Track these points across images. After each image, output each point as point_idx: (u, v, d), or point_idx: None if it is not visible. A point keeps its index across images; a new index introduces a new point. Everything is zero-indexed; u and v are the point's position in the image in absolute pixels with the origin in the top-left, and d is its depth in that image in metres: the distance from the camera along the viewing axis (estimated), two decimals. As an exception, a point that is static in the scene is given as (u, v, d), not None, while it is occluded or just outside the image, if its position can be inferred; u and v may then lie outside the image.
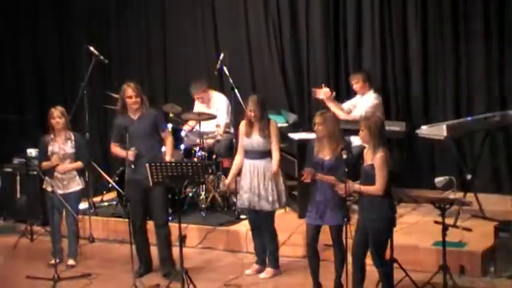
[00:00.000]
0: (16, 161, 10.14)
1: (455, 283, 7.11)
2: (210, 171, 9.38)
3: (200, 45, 11.22)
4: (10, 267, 8.71)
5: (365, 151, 6.86)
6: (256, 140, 7.77)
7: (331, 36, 10.37)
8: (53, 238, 8.51)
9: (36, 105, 11.85)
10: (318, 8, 10.40)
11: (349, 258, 6.91)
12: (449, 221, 7.23)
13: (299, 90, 10.65)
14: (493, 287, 7.39)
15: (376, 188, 6.64)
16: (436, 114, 9.77)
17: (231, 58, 10.10)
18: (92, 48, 9.94)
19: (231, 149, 9.54)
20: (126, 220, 7.90)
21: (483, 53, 9.58)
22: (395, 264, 6.98)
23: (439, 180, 8.02)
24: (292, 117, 9.76)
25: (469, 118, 8.97)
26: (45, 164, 8.37)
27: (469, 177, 8.73)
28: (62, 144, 8.36)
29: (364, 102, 9.23)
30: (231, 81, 9.41)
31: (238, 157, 7.93)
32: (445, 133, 8.44)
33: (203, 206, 9.33)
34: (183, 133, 9.97)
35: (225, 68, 9.54)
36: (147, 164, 7.51)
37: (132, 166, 7.76)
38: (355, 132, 7.39)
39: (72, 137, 8.40)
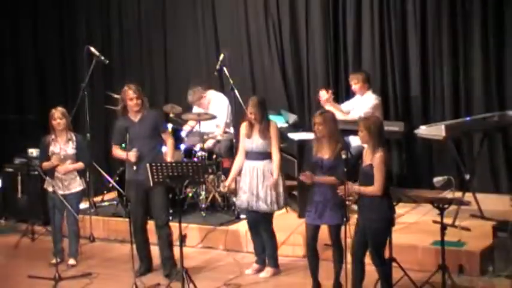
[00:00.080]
0: (17, 161, 10.16)
1: (454, 282, 7.12)
2: (210, 171, 9.40)
3: (200, 46, 11.25)
4: (11, 266, 8.73)
5: (364, 151, 6.88)
6: (256, 141, 7.79)
7: (330, 37, 10.40)
8: (53, 238, 8.54)
9: (37, 105, 11.87)
10: (317, 8, 10.43)
11: (349, 258, 6.93)
12: (448, 220, 7.23)
13: (299, 90, 10.67)
14: (492, 287, 7.39)
15: (375, 188, 6.66)
16: (434, 115, 9.81)
17: (231, 58, 10.12)
18: (92, 49, 9.97)
19: (231, 149, 9.58)
20: (127, 220, 7.90)
21: (481, 53, 9.60)
22: (394, 264, 6.99)
23: (437, 180, 8.02)
24: (292, 118, 9.78)
25: (468, 118, 8.99)
26: (45, 164, 8.39)
27: (467, 177, 8.75)
28: (63, 145, 8.38)
29: (363, 103, 9.25)
30: (231, 81, 9.44)
31: (239, 158, 7.95)
32: (443, 133, 8.44)
33: (203, 205, 9.36)
34: (183, 133, 10.01)
35: (225, 69, 9.57)
36: (147, 165, 7.53)
37: (134, 167, 7.79)
38: (355, 133, 7.43)
39: (74, 138, 8.43)
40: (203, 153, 9.46)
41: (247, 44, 10.93)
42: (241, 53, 10.93)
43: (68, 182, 8.41)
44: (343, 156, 6.95)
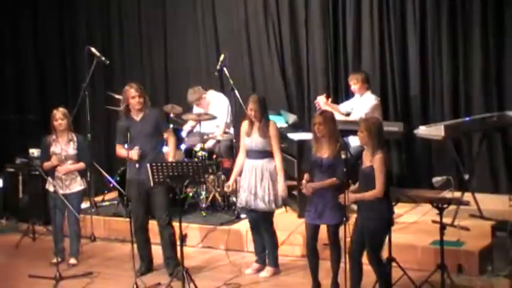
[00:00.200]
0: (18, 161, 10.17)
1: (453, 282, 7.13)
2: (210, 171, 9.43)
3: (200, 46, 11.26)
4: (12, 266, 8.73)
5: (364, 152, 6.89)
6: (255, 139, 7.81)
7: (330, 37, 10.41)
8: (54, 237, 8.55)
9: (38, 105, 11.88)
10: (317, 8, 10.45)
11: (347, 258, 6.96)
12: (447, 220, 7.24)
13: (299, 90, 10.69)
14: (491, 286, 7.41)
15: (377, 191, 6.66)
16: (434, 115, 9.82)
17: (231, 58, 10.13)
18: (93, 49, 10.00)
19: (231, 149, 9.60)
20: (127, 219, 7.92)
21: (481, 53, 9.62)
22: (393, 263, 6.99)
23: (436, 180, 8.04)
24: (292, 118, 9.79)
25: (467, 118, 9.00)
26: (46, 164, 8.41)
27: (466, 177, 8.77)
28: (64, 146, 8.40)
29: (362, 104, 9.27)
30: (231, 82, 9.47)
31: (240, 157, 7.96)
32: (443, 133, 8.45)
33: (203, 205, 9.39)
34: (183, 133, 10.04)
35: (225, 69, 9.59)
36: (147, 164, 7.57)
37: (137, 165, 7.81)
38: (354, 133, 7.45)
39: (75, 138, 8.45)
40: (203, 153, 9.49)
41: (247, 44, 10.95)
42: (241, 53, 10.94)
43: (69, 181, 8.44)
44: (343, 156, 6.99)
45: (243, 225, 8.80)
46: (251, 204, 7.84)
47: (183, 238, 7.75)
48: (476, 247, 7.78)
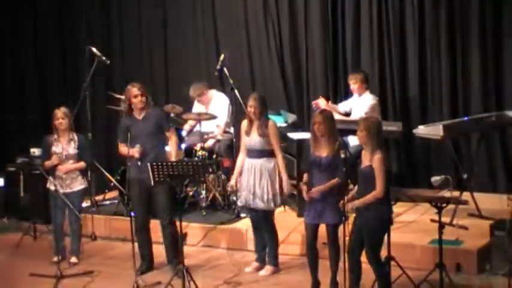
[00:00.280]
0: (19, 160, 10.19)
1: (451, 281, 7.15)
2: (210, 170, 9.46)
3: (201, 46, 11.27)
4: (13, 265, 8.76)
5: (363, 152, 6.90)
6: (254, 138, 7.83)
7: (329, 37, 10.43)
8: (55, 236, 8.59)
9: (39, 105, 11.89)
10: (316, 9, 10.46)
11: (346, 257, 6.99)
12: (446, 219, 7.27)
13: (298, 90, 10.71)
14: (489, 285, 7.44)
15: (377, 191, 6.68)
16: (432, 115, 9.84)
17: (231, 59, 10.16)
18: (94, 49, 10.03)
19: (231, 149, 9.64)
20: (128, 218, 7.95)
21: (479, 54, 9.65)
22: (392, 262, 7.03)
23: (435, 179, 8.07)
24: (292, 118, 9.81)
25: (466, 118, 9.02)
26: (46, 163, 8.45)
27: (465, 176, 8.80)
28: (65, 145, 8.44)
29: (361, 104, 9.31)
30: (231, 81, 9.50)
31: (241, 156, 7.99)
32: (441, 133, 8.49)
33: (204, 204, 9.42)
34: (183, 133, 10.07)
35: (225, 69, 9.63)
36: (148, 164, 7.61)
37: (139, 163, 7.85)
38: (353, 133, 7.48)
39: (76, 138, 8.48)
40: (203, 152, 9.52)
41: (247, 44, 10.97)
42: (241, 53, 10.95)
43: (70, 181, 8.47)
44: (342, 156, 7.02)
45: (243, 224, 8.84)
46: (250, 203, 7.88)
47: (183, 237, 7.79)
48: (474, 246, 7.81)
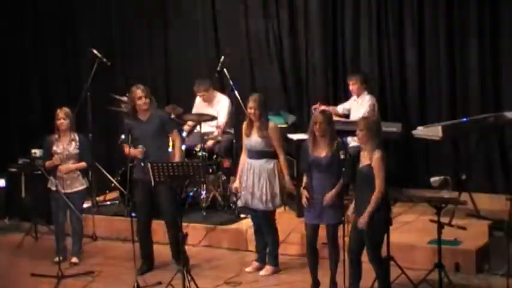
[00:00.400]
0: (21, 161, 10.18)
1: (450, 281, 7.18)
2: (210, 171, 9.50)
3: (201, 47, 11.26)
4: (15, 265, 8.79)
5: (361, 152, 6.93)
6: (254, 139, 7.86)
7: (329, 38, 10.45)
8: (56, 236, 8.63)
9: (40, 106, 11.89)
10: (316, 9, 10.47)
11: (346, 257, 7.01)
12: (444, 220, 7.28)
13: (298, 91, 10.72)
14: (488, 285, 7.48)
15: (377, 191, 6.70)
16: (431, 116, 9.85)
17: (231, 60, 10.17)
18: (95, 51, 10.06)
19: (231, 150, 9.67)
20: (128, 219, 7.99)
21: (478, 55, 9.68)
22: (391, 262, 7.07)
23: (434, 179, 8.09)
24: (291, 118, 9.83)
25: (464, 119, 9.05)
26: (47, 163, 8.49)
27: (464, 177, 8.83)
28: (66, 145, 8.47)
29: (361, 105, 9.36)
30: (231, 82, 9.53)
31: (243, 157, 8.02)
32: (440, 134, 8.52)
33: (204, 205, 9.44)
34: (184, 134, 10.10)
35: (225, 70, 9.65)
36: (149, 164, 7.65)
37: (142, 164, 7.88)
38: (352, 133, 7.51)
39: (77, 138, 8.52)
40: (204, 153, 9.55)
41: (247, 45, 10.97)
42: (241, 54, 10.94)
43: (70, 181, 8.50)
44: (342, 157, 7.06)
45: (243, 225, 8.87)
46: (249, 204, 7.91)
47: (184, 237, 7.83)
48: (473, 246, 7.85)
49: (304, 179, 7.34)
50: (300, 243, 8.32)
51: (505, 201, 7.28)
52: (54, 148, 8.47)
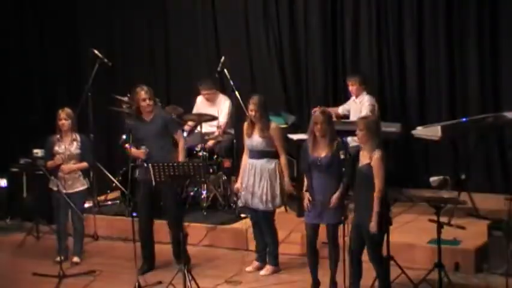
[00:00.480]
0: (22, 161, 10.22)
1: (449, 280, 7.20)
2: (211, 171, 9.53)
3: (201, 47, 11.27)
4: (17, 264, 8.82)
5: (361, 152, 6.95)
6: (256, 140, 7.89)
7: (329, 38, 10.47)
8: (58, 236, 8.65)
9: (42, 106, 11.89)
10: (316, 10, 10.49)
11: (346, 256, 7.04)
12: (444, 219, 7.31)
13: (298, 91, 10.75)
14: (487, 284, 7.49)
15: (377, 191, 6.71)
16: (431, 116, 9.87)
17: (231, 61, 10.19)
18: (96, 51, 10.09)
19: (231, 150, 9.70)
20: (129, 218, 8.02)
21: (477, 55, 9.71)
22: (391, 262, 7.10)
23: (433, 179, 8.11)
24: (291, 119, 9.85)
25: (464, 119, 9.06)
26: (49, 163, 8.52)
27: (463, 176, 8.84)
28: (67, 145, 8.51)
29: (360, 105, 9.38)
30: (232, 83, 9.57)
31: (244, 158, 8.05)
32: (440, 134, 8.52)
33: (204, 204, 9.47)
34: (184, 134, 10.12)
35: (225, 71, 9.69)
36: (149, 164, 7.70)
37: (145, 164, 7.92)
38: (352, 133, 7.53)
39: (78, 138, 8.55)
40: (204, 153, 9.58)
41: (247, 46, 10.99)
42: (242, 55, 10.97)
43: (72, 181, 8.53)
44: (342, 157, 7.08)
45: (244, 224, 8.89)
46: (249, 203, 7.93)
47: (184, 237, 7.87)
48: (472, 246, 7.88)
49: (305, 180, 7.36)
50: (300, 243, 8.35)
51: (504, 200, 7.31)
52: (56, 148, 8.50)
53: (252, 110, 7.86)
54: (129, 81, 11.06)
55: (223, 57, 9.78)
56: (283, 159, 7.89)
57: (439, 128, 8.59)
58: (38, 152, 9.86)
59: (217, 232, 9.04)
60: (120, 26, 11.81)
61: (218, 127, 9.92)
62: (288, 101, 10.81)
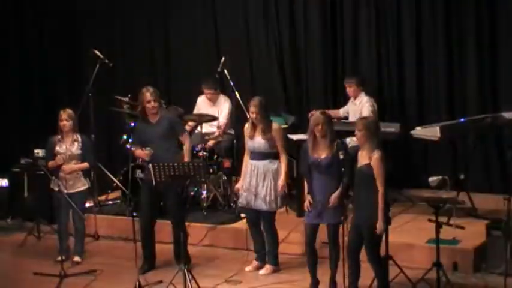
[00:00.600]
0: (23, 161, 10.25)
1: (448, 279, 7.22)
2: (211, 171, 9.56)
3: (201, 48, 11.27)
4: (18, 264, 8.84)
5: (359, 152, 6.97)
6: (258, 141, 7.91)
7: (329, 39, 10.49)
8: (59, 236, 8.67)
9: (43, 106, 11.89)
10: (316, 11, 10.50)
11: (345, 256, 7.07)
12: (443, 219, 7.33)
13: (298, 92, 10.76)
14: (485, 284, 7.52)
15: (381, 193, 6.73)
16: (430, 116, 9.87)
17: (232, 61, 10.21)
18: (97, 52, 10.11)
19: (231, 150, 9.74)
20: (130, 218, 8.01)
21: (476, 55, 9.73)
22: (390, 261, 7.13)
23: (433, 179, 8.12)
24: (291, 119, 9.88)
25: (462, 120, 9.09)
26: (50, 163, 8.54)
27: (462, 176, 8.89)
28: (69, 146, 8.53)
29: (359, 106, 9.39)
30: (232, 83, 9.60)
31: (245, 159, 8.07)
32: (438, 134, 8.56)
33: (205, 204, 9.49)
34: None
35: (226, 71, 9.72)
36: (150, 164, 7.74)
37: (149, 166, 7.97)
38: (351, 134, 7.56)
39: (79, 139, 8.58)
40: (204, 153, 9.61)
41: (247, 47, 11.00)
42: (242, 56, 10.97)
43: (73, 181, 8.55)
44: (341, 157, 7.12)
45: (244, 224, 8.88)
46: (252, 204, 7.94)
47: (185, 237, 7.91)
48: (471, 245, 7.91)
49: (306, 184, 7.38)
50: (300, 242, 8.31)
51: (502, 200, 7.34)
52: (57, 149, 8.53)
53: (252, 112, 7.88)
54: (129, 81, 11.16)
55: (223, 58, 9.80)
56: (283, 159, 7.91)
57: (437, 128, 8.62)
58: (39, 152, 9.87)
59: (218, 232, 9.07)
60: (120, 26, 11.81)
61: (218, 127, 9.94)
62: (287, 101, 10.82)
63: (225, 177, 9.65)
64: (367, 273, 7.10)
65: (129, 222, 8.08)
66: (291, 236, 8.52)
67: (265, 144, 7.89)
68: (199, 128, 9.79)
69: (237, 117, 9.75)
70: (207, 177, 9.14)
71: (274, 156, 7.93)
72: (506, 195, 7.34)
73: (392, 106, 10.22)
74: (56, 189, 8.40)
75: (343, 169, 7.20)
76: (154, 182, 7.66)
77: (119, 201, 10.07)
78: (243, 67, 10.95)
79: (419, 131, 8.82)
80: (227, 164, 9.71)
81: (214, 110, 10.02)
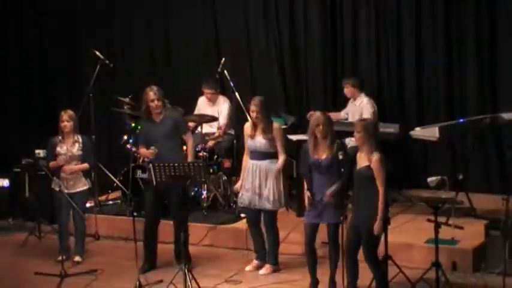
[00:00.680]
0: (24, 161, 10.25)
1: (447, 279, 7.25)
2: (211, 171, 9.58)
3: (201, 48, 11.27)
4: (19, 264, 8.85)
5: (358, 154, 6.98)
6: (259, 141, 7.93)
7: (329, 39, 10.50)
8: (60, 236, 8.69)
9: (43, 107, 11.90)
10: (315, 11, 10.52)
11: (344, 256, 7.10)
12: (442, 219, 7.34)
13: (298, 92, 10.78)
14: (484, 283, 7.54)
15: (381, 193, 6.75)
16: (429, 116, 9.90)
17: (232, 62, 10.22)
18: (97, 52, 10.12)
19: (231, 150, 9.76)
20: (130, 218, 8.02)
21: (475, 56, 9.75)
22: (389, 261, 7.13)
23: (431, 180, 8.13)
24: (290, 119, 9.90)
25: (461, 120, 9.10)
26: (51, 163, 8.56)
27: (460, 177, 8.90)
28: (69, 147, 8.55)
29: (358, 108, 9.42)
30: (232, 84, 9.62)
31: (245, 159, 8.09)
32: (437, 134, 8.57)
33: (205, 204, 9.51)
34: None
35: (226, 72, 9.74)
36: (150, 165, 7.76)
37: (149, 166, 7.98)
38: (350, 134, 7.59)
39: (80, 140, 8.60)
40: (204, 153, 9.63)
41: (247, 48, 11.01)
42: (241, 55, 10.99)
43: (73, 181, 8.58)
44: (340, 157, 7.14)
45: (244, 224, 8.91)
46: (255, 204, 7.95)
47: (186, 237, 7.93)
48: (470, 245, 7.93)
49: (305, 184, 7.41)
50: (300, 242, 8.30)
51: (501, 200, 7.36)
52: (58, 149, 8.55)
53: (253, 111, 7.90)
54: (129, 82, 11.17)
55: (223, 59, 9.82)
56: (282, 159, 7.94)
57: (436, 129, 8.64)
58: (40, 152, 9.87)
59: (218, 232, 9.09)
60: (120, 26, 11.81)
61: (218, 128, 9.96)
62: (287, 101, 10.83)
63: (225, 178, 9.67)
64: (366, 273, 7.12)
65: (129, 222, 8.10)
66: (290, 236, 8.53)
67: (266, 144, 7.91)
68: (199, 129, 9.82)
69: (237, 118, 9.77)
70: (207, 178, 9.16)
71: (275, 156, 7.95)
72: (505, 195, 7.35)
73: (391, 106, 10.24)
74: (57, 189, 8.44)
75: (342, 169, 7.21)
76: (154, 182, 7.68)
77: (119, 201, 10.08)
78: (243, 67, 10.95)
79: (418, 132, 8.83)
80: (227, 164, 9.73)
81: (213, 110, 10.04)
